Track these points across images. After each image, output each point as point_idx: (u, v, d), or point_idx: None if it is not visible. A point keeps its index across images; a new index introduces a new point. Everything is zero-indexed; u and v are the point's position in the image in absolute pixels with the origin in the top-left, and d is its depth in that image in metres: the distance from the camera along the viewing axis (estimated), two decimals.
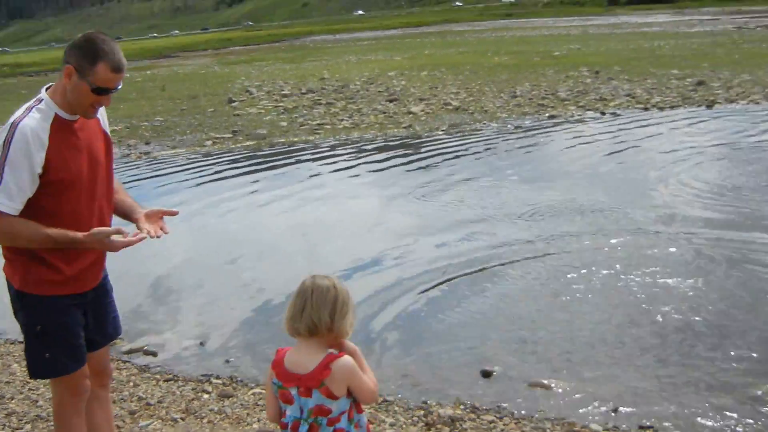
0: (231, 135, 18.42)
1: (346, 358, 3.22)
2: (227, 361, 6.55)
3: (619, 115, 18.40)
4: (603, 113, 18.60)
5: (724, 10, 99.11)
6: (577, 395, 5.59)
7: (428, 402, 5.59)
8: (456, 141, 16.11)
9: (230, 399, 5.78)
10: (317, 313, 3.17)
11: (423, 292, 7.85)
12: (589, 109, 19.21)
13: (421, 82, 27.07)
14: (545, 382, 5.78)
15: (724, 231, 9.22)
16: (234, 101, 24.79)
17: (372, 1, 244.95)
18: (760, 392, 5.47)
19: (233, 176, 14.26)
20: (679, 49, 36.07)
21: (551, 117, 18.40)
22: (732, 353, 6.10)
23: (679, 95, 20.81)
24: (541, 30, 68.23)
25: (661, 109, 18.91)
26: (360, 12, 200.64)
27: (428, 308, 7.46)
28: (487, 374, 5.96)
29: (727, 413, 5.23)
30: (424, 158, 14.74)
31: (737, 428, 5.06)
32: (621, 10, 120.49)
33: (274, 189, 12.92)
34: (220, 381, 6.14)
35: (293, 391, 3.23)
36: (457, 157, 14.62)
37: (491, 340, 6.64)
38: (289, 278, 7.23)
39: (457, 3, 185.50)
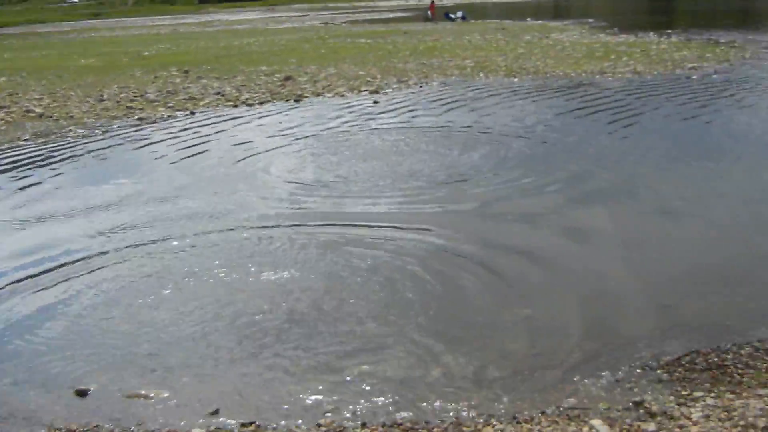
0: None
1: None
2: None
3: (208, 113, 18.42)
4: (192, 113, 18.54)
5: (313, 6, 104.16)
6: (177, 401, 5.54)
7: None
8: (36, 150, 15.12)
9: None
10: None
11: None
12: (178, 110, 19.05)
13: (0, 89, 25.25)
14: (143, 392, 5.67)
15: (316, 219, 9.51)
16: None
17: None
18: (356, 372, 5.78)
19: None
20: (269, 46, 37.10)
21: (140, 119, 17.98)
22: (326, 339, 6.33)
23: (268, 91, 21.31)
24: (131, 30, 66.99)
25: (251, 105, 19.27)
26: None
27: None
28: (81, 393, 5.69)
29: (327, 396, 5.49)
30: None
31: (336, 407, 5.34)
32: (212, 7, 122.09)
33: None
34: None
35: None
36: (34, 165, 13.80)
37: (81, 355, 6.29)
38: None
39: (73, 1, 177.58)
